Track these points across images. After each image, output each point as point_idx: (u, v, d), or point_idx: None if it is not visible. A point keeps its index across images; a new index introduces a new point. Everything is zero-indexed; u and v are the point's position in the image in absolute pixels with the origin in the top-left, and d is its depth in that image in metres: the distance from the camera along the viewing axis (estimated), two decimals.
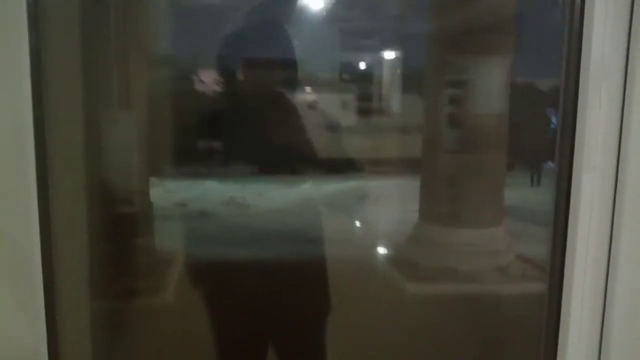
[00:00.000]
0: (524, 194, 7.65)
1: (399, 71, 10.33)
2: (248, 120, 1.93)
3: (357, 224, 5.67)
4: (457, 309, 3.43)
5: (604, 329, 0.76)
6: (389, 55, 10.35)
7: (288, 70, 1.99)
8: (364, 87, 10.61)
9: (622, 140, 0.71)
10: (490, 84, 4.46)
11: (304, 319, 1.86)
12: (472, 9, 4.55)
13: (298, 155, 1.90)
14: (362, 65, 10.77)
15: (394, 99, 10.89)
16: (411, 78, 10.30)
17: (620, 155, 0.71)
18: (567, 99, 0.78)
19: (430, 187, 4.56)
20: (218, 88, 2.34)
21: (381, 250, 4.92)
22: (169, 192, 5.06)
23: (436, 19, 4.95)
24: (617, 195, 0.72)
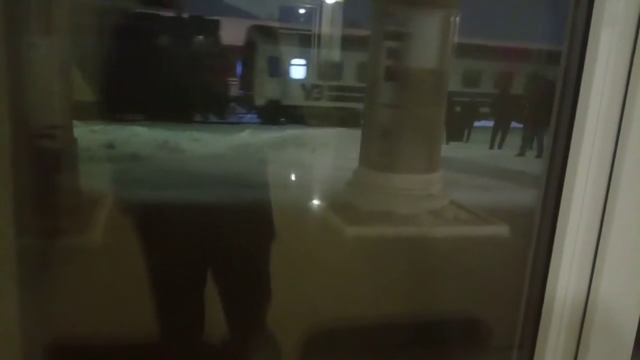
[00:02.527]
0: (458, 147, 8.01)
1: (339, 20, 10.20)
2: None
3: (297, 169, 5.65)
4: (394, 250, 3.54)
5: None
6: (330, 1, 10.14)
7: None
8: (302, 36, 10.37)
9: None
10: (430, 39, 4.48)
11: (246, 249, 1.82)
12: None
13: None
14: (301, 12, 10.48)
15: (333, 51, 10.77)
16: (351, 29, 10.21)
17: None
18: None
19: (371, 136, 4.60)
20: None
21: (321, 195, 4.95)
22: (94, 133, 4.71)
23: None
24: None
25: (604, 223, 0.74)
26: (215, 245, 1.80)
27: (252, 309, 1.82)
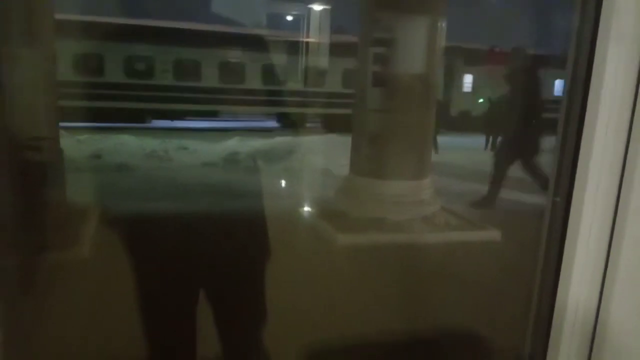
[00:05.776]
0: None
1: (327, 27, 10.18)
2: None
3: (286, 177, 5.62)
4: (386, 258, 3.52)
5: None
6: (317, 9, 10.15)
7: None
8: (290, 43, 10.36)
9: None
10: (416, 44, 4.49)
11: (240, 267, 1.78)
12: None
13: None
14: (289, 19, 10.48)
15: (321, 58, 10.77)
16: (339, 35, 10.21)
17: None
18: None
19: (361, 142, 4.58)
20: None
21: (311, 202, 4.92)
22: (81, 143, 4.64)
23: None
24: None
25: (615, 234, 0.73)
26: (207, 263, 1.75)
27: (247, 329, 1.78)
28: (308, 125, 9.68)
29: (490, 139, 9.18)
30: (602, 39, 0.68)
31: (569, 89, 0.75)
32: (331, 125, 8.82)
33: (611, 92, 0.68)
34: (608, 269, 0.73)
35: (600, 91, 0.68)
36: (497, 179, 4.83)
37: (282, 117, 10.71)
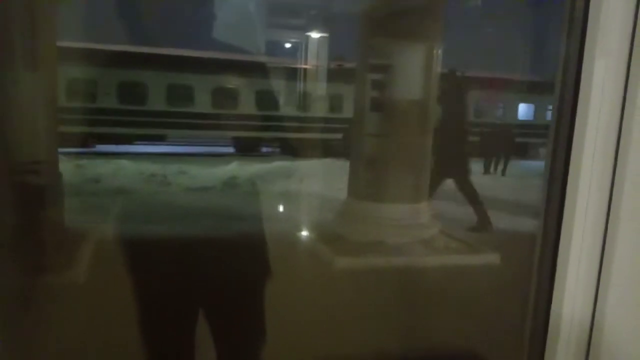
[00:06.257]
0: None
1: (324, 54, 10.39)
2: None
3: (284, 201, 5.63)
4: (384, 281, 3.51)
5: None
6: (315, 37, 10.37)
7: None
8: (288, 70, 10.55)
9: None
10: (413, 70, 4.56)
11: (240, 287, 1.78)
12: None
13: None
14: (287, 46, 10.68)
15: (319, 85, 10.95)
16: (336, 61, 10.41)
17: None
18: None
19: (358, 166, 4.62)
20: None
21: (309, 226, 4.92)
22: (79, 168, 4.66)
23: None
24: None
25: (606, 244, 0.74)
26: (207, 285, 1.75)
27: (245, 349, 1.76)
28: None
29: (493, 162, 9.42)
30: (588, 56, 0.71)
31: (556, 109, 0.77)
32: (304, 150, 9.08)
33: (598, 110, 0.70)
34: (601, 278, 0.74)
35: (587, 110, 0.70)
36: (471, 200, 4.87)
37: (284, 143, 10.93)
